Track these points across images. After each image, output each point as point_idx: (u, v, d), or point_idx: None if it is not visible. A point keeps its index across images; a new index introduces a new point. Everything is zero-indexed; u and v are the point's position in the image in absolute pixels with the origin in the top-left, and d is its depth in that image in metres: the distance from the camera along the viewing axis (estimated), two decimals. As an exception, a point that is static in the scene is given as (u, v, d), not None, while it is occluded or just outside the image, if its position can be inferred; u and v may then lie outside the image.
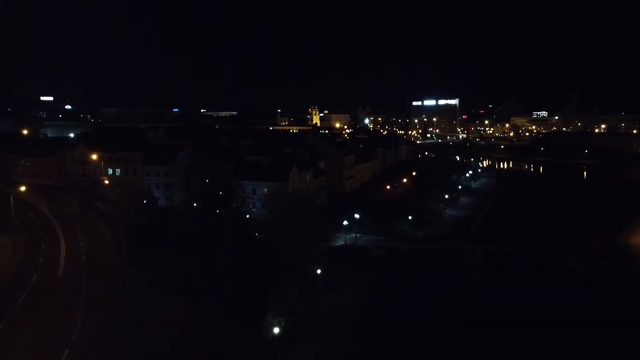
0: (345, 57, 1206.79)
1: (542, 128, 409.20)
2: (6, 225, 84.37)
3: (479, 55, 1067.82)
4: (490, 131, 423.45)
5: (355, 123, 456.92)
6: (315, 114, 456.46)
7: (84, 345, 47.19)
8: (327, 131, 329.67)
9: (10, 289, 60.82)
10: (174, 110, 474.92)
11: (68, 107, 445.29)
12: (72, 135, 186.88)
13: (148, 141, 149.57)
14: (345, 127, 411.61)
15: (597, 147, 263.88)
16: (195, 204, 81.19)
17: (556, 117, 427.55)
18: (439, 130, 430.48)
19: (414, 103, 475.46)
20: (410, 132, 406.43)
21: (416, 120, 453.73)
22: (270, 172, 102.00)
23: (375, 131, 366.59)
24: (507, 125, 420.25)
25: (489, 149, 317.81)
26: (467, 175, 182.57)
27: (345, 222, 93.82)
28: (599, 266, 78.20)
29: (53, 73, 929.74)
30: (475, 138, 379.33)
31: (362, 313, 60.64)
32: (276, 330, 51.32)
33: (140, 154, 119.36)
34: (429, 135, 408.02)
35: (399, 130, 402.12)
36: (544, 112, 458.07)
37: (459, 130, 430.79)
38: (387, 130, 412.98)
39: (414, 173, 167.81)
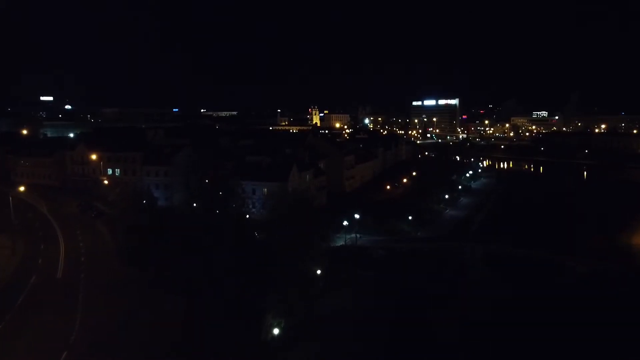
0: (345, 57, 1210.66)
1: (542, 128, 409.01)
2: (5, 225, 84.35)
3: (479, 55, 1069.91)
4: (490, 131, 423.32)
5: (355, 123, 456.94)
6: (315, 114, 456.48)
7: (83, 345, 47.12)
8: (327, 131, 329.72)
9: (10, 289, 60.73)
10: (174, 110, 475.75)
11: (68, 107, 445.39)
12: (71, 135, 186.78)
13: (148, 141, 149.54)
14: (345, 127, 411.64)
15: (597, 147, 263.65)
16: (195, 204, 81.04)
17: (556, 117, 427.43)
18: (439, 130, 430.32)
19: (414, 103, 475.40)
20: (410, 132, 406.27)
21: (416, 120, 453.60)
22: (270, 172, 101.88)
23: (375, 131, 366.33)
24: (507, 125, 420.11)
25: (489, 149, 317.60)
26: (467, 175, 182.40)
27: (345, 222, 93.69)
28: (599, 266, 78.10)
29: (53, 73, 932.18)
30: (475, 138, 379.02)
31: (362, 313, 60.56)
32: (276, 330, 51.25)
33: (140, 154, 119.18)
34: (429, 135, 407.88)
35: (399, 130, 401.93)
36: (544, 112, 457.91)
37: (459, 130, 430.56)
38: (387, 130, 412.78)
39: (414, 173, 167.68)
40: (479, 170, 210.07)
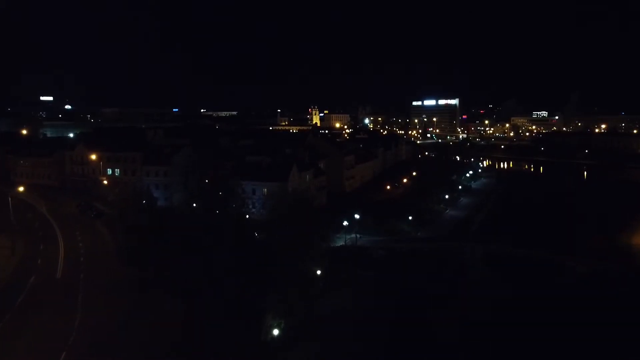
0: (345, 57, 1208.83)
1: (542, 128, 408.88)
2: (5, 225, 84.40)
3: (479, 55, 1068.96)
4: (490, 131, 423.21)
5: (355, 123, 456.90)
6: (315, 114, 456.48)
7: (82, 346, 47.05)
8: (327, 131, 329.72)
9: (9, 289, 60.63)
10: (174, 110, 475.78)
11: (68, 107, 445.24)
12: (71, 135, 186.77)
13: (148, 141, 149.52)
14: (345, 127, 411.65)
15: (597, 147, 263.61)
16: (194, 204, 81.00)
17: (556, 117, 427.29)
18: (439, 130, 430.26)
19: (414, 103, 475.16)
20: (410, 132, 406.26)
21: (416, 120, 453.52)
22: (270, 172, 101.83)
23: (375, 131, 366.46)
24: (507, 125, 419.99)
25: (489, 149, 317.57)
26: (467, 175, 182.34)
27: (345, 223, 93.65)
28: (599, 266, 78.06)
29: (53, 73, 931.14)
30: (475, 138, 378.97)
31: (362, 313, 60.51)
32: (276, 331, 51.19)
33: (140, 154, 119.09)
34: (429, 135, 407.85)
35: (399, 130, 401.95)
36: (544, 112, 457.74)
37: (459, 130, 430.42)
38: (387, 130, 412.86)
39: (414, 173, 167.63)
40: (479, 170, 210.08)
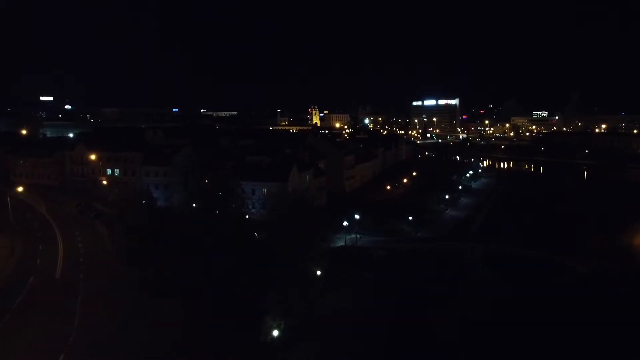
0: (345, 57, 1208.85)
1: (542, 128, 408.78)
2: (4, 225, 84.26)
3: (479, 55, 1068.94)
4: (491, 131, 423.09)
5: (355, 123, 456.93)
6: (315, 114, 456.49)
7: (82, 346, 47.00)
8: (327, 131, 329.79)
9: (8, 289, 60.56)
10: (174, 110, 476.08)
11: (68, 107, 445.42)
12: (71, 135, 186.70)
13: (147, 141, 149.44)
14: (345, 127, 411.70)
15: (597, 147, 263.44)
16: (194, 204, 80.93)
17: (556, 117, 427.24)
18: (439, 130, 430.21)
19: (414, 103, 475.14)
20: (410, 132, 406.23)
21: (416, 120, 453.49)
22: (270, 173, 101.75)
23: (375, 131, 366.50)
24: (507, 125, 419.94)
25: (489, 149, 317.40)
26: (468, 175, 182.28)
27: (345, 223, 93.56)
28: (599, 266, 77.95)
29: (53, 73, 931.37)
30: (475, 138, 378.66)
31: (362, 313, 60.46)
32: (276, 331, 51.12)
33: (139, 154, 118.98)
34: (429, 135, 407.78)
35: (399, 130, 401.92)
36: (544, 112, 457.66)
37: (459, 130, 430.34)
38: (387, 130, 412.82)
39: (414, 173, 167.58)
40: (479, 170, 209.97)
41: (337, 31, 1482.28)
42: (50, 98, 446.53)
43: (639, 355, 53.49)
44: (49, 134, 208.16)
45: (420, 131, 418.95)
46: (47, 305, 55.92)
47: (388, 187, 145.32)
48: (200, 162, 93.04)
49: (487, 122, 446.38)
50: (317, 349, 51.65)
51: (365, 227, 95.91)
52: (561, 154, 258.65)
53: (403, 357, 52.31)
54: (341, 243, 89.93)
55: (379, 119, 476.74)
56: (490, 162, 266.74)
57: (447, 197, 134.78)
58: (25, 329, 50.15)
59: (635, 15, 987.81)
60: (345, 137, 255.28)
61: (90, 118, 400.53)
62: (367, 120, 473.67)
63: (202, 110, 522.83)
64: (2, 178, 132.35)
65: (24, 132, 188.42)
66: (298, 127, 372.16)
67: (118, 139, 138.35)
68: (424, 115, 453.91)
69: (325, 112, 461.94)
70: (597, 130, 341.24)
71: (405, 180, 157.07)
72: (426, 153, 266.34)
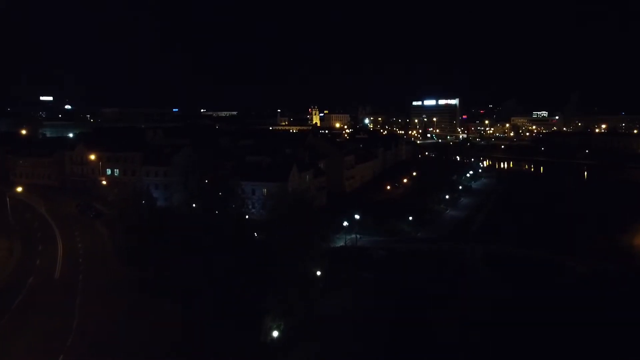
0: (345, 57, 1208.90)
1: (542, 128, 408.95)
2: (3, 225, 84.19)
3: (479, 55, 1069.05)
4: (491, 131, 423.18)
5: (355, 123, 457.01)
6: (315, 114, 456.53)
7: (82, 346, 46.99)
8: (327, 131, 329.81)
9: (7, 290, 60.55)
10: (174, 110, 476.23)
11: (68, 107, 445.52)
12: (71, 135, 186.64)
13: (147, 141, 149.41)
14: (345, 127, 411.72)
15: (597, 147, 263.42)
16: (194, 204, 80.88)
17: (556, 117, 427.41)
18: (439, 130, 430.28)
19: (414, 103, 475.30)
20: (410, 132, 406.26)
21: (416, 120, 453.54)
22: (270, 173, 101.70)
23: (375, 131, 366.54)
24: (507, 125, 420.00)
25: (489, 149, 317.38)
26: (468, 175, 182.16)
27: (345, 223, 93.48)
28: (599, 266, 77.86)
29: (53, 73, 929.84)
30: (475, 138, 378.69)
31: (362, 313, 60.43)
32: (276, 331, 51.07)
33: (139, 154, 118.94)
34: (429, 135, 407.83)
35: (399, 130, 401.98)
36: (544, 112, 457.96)
37: (459, 130, 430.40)
38: (387, 130, 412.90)
39: (414, 173, 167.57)
40: (479, 170, 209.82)
41: (337, 31, 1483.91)
42: (50, 98, 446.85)
43: (639, 355, 53.44)
44: (48, 134, 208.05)
45: (420, 131, 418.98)
46: (47, 305, 55.90)
47: (388, 187, 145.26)
48: (200, 162, 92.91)
49: (487, 122, 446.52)
50: (317, 349, 51.62)
51: (365, 227, 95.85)
52: (561, 154, 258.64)
53: (403, 357, 52.25)
54: (341, 243, 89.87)
55: (379, 119, 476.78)
56: (490, 162, 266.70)
57: (447, 197, 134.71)
58: (24, 329, 50.11)
59: (635, 15, 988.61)
60: (345, 137, 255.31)
61: (90, 118, 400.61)
62: (367, 120, 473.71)
63: (202, 110, 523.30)
64: (2, 178, 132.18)
65: (23, 132, 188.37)
66: (298, 127, 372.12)
67: (118, 139, 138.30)
68: (424, 115, 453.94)
69: (325, 112, 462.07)
70: (597, 130, 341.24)
71: (405, 180, 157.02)
72: (426, 153, 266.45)
